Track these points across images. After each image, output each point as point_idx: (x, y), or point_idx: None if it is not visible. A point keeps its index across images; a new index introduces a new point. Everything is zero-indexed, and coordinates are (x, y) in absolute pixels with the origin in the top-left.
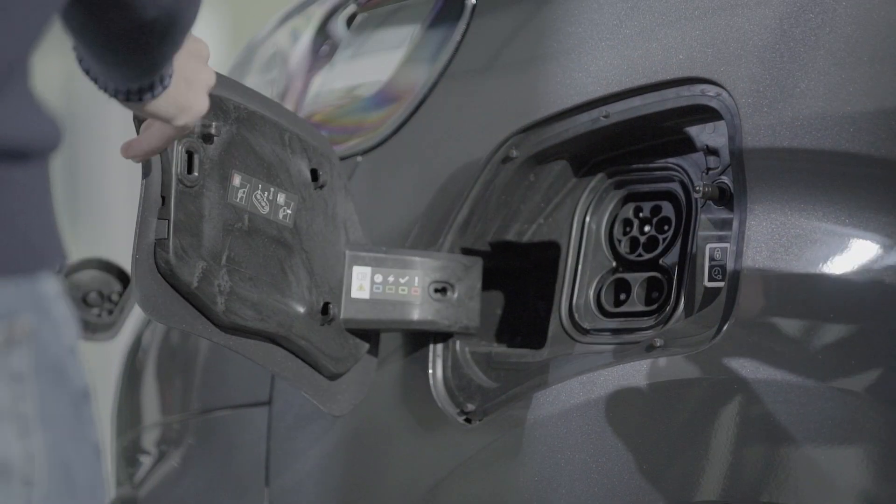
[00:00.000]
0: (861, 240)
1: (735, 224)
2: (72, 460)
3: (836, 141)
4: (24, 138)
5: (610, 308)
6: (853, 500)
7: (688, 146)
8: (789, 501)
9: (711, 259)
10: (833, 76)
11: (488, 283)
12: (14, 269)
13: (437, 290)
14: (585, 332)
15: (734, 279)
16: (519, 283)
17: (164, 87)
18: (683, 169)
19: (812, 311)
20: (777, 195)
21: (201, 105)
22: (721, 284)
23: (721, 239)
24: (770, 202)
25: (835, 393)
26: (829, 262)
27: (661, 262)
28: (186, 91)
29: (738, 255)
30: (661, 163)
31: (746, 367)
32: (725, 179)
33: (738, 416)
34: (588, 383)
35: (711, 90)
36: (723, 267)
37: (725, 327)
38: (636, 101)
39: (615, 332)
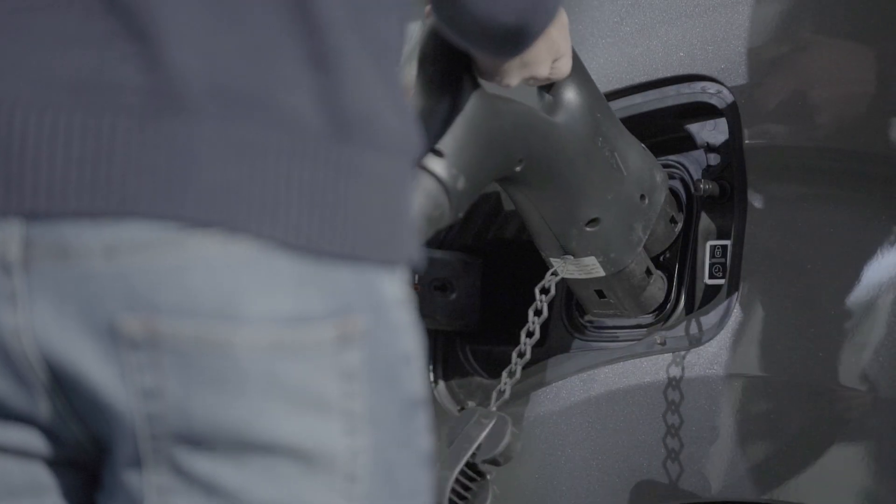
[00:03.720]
0: (861, 237)
1: (735, 221)
2: (396, 464)
3: (836, 139)
4: (400, 134)
5: None
6: (853, 498)
7: (688, 143)
8: (790, 498)
9: (712, 256)
10: (833, 74)
11: (488, 280)
12: (352, 255)
13: (436, 288)
14: (585, 329)
15: (734, 277)
16: (519, 281)
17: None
18: (684, 166)
19: (812, 309)
20: (777, 193)
21: (540, 69)
22: (721, 282)
23: (721, 236)
24: (770, 200)
25: (834, 391)
26: (829, 260)
27: (661, 259)
28: (536, 49)
29: (739, 252)
30: (661, 160)
31: (747, 365)
32: (725, 177)
33: (738, 413)
34: (588, 380)
35: (712, 87)
36: (723, 264)
37: (726, 325)
38: (637, 99)
39: (615, 329)
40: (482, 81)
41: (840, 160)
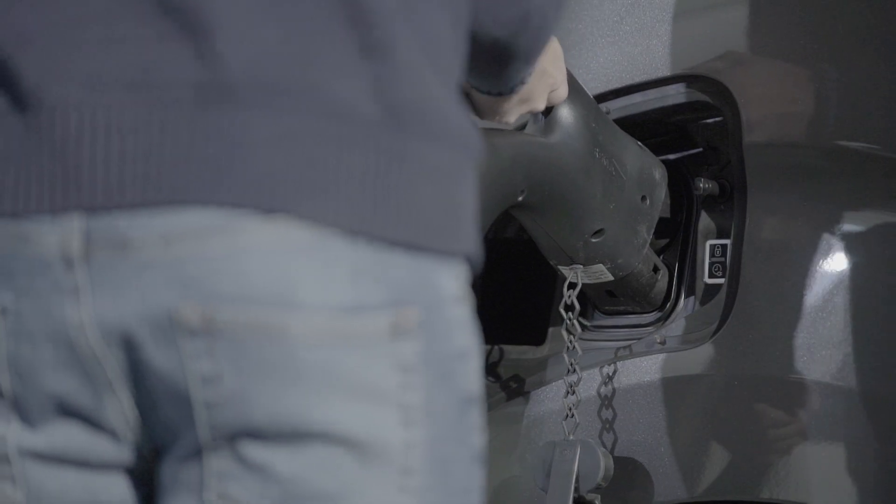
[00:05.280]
0: (861, 236)
1: (735, 221)
2: (450, 459)
3: (836, 138)
4: (456, 127)
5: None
6: (852, 496)
7: (688, 143)
8: (789, 497)
9: (712, 255)
10: (832, 72)
11: (488, 279)
12: (407, 243)
13: None
14: (585, 328)
15: (734, 276)
16: (519, 280)
17: (524, 84)
18: (684, 165)
19: (812, 308)
20: (777, 192)
21: (538, 103)
22: (721, 281)
23: (721, 235)
24: (770, 199)
25: (834, 389)
26: (829, 259)
27: (661, 258)
28: (532, 85)
29: (739, 251)
30: (661, 159)
31: (747, 364)
32: (725, 176)
33: (738, 412)
34: (588, 380)
35: (712, 86)
36: (723, 263)
37: (726, 324)
38: (637, 98)
39: (615, 328)
40: (475, 119)
41: (840, 160)
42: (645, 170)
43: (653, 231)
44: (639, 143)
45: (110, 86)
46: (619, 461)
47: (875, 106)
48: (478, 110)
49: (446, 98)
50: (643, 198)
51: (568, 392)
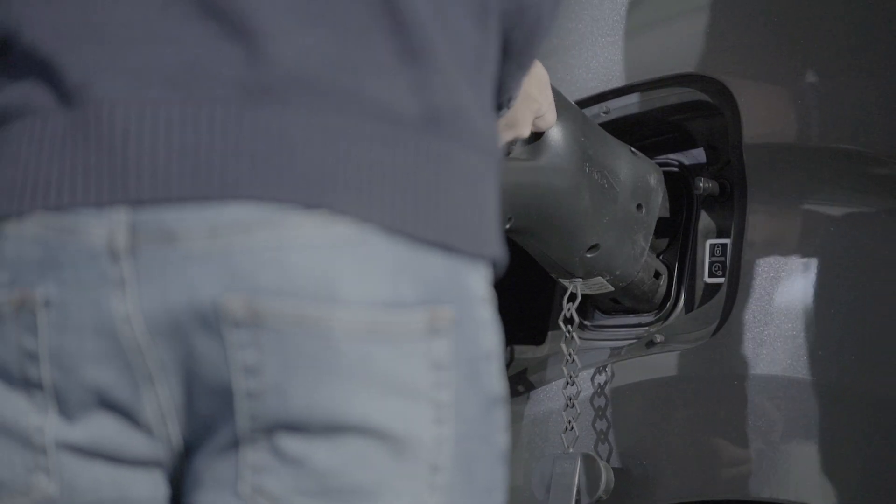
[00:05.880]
0: (860, 236)
1: (735, 220)
2: (476, 458)
3: (836, 137)
4: (485, 134)
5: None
6: (852, 496)
7: (688, 142)
8: (788, 497)
9: (711, 255)
10: (832, 73)
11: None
12: (444, 244)
13: None
14: (585, 328)
15: (734, 275)
16: (518, 279)
17: (509, 108)
18: (684, 165)
19: (812, 307)
20: (777, 191)
21: (523, 129)
22: (721, 280)
23: (721, 234)
24: (770, 198)
25: (834, 389)
26: (828, 258)
27: (661, 257)
28: (517, 110)
29: (738, 251)
30: (661, 159)
31: (746, 363)
32: (725, 175)
33: (737, 411)
34: (588, 379)
35: (712, 86)
36: (723, 263)
37: (725, 323)
38: (636, 97)
39: (615, 328)
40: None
41: (840, 160)
42: (639, 177)
43: (650, 238)
44: (632, 149)
45: (157, 82)
46: (618, 461)
47: (875, 106)
48: None
49: (476, 104)
50: (638, 206)
51: (567, 405)
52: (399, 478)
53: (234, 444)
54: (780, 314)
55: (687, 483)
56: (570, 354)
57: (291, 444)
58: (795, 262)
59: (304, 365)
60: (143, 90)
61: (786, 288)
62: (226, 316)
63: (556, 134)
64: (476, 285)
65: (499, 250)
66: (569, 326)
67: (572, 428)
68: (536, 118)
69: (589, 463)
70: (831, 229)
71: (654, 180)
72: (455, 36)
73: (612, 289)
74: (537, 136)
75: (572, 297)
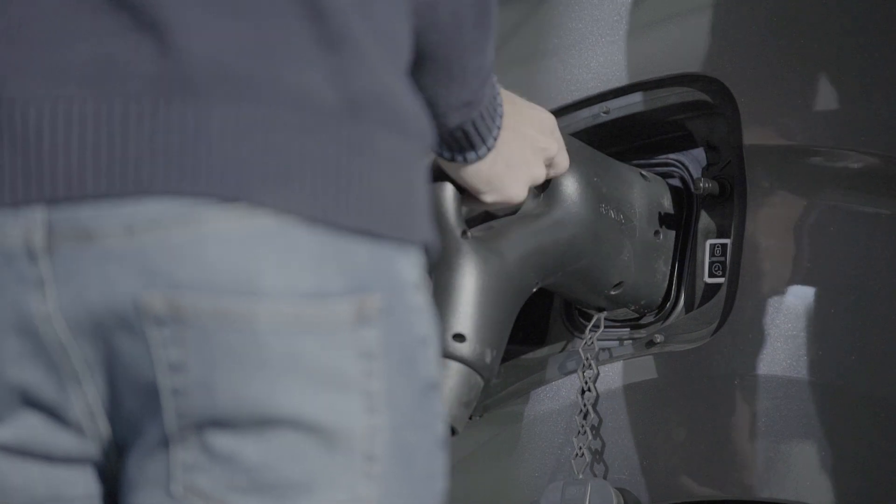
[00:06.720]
0: (860, 235)
1: (735, 220)
2: (413, 446)
3: (836, 138)
4: (411, 118)
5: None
6: (852, 496)
7: (688, 142)
8: (789, 497)
9: (711, 255)
10: (833, 73)
11: None
12: (368, 231)
13: None
14: (585, 328)
15: (734, 275)
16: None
17: (480, 157)
18: (683, 165)
19: (812, 307)
20: (777, 191)
21: (515, 193)
22: (721, 280)
23: (721, 235)
24: (770, 198)
25: (835, 389)
26: (828, 258)
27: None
28: (502, 172)
29: (738, 251)
30: (661, 158)
31: (747, 364)
32: (725, 175)
33: (738, 412)
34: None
35: (711, 86)
36: (723, 263)
37: (725, 323)
38: (636, 97)
39: (615, 327)
40: (476, 235)
41: (840, 159)
42: (653, 202)
43: (671, 262)
44: (641, 171)
45: (69, 79)
46: (616, 460)
47: (875, 106)
48: (469, 188)
49: (401, 88)
50: (656, 233)
51: (579, 431)
52: (333, 470)
53: (165, 443)
54: (780, 314)
55: (687, 483)
56: (586, 383)
57: (221, 440)
58: (795, 262)
59: (229, 360)
60: (57, 88)
61: (786, 288)
62: (147, 314)
63: (569, 181)
64: (407, 271)
65: (430, 235)
66: (588, 355)
67: (582, 454)
68: (548, 167)
69: (599, 490)
70: (831, 229)
71: (668, 200)
72: (378, 21)
73: (638, 316)
74: (547, 185)
75: (595, 328)
